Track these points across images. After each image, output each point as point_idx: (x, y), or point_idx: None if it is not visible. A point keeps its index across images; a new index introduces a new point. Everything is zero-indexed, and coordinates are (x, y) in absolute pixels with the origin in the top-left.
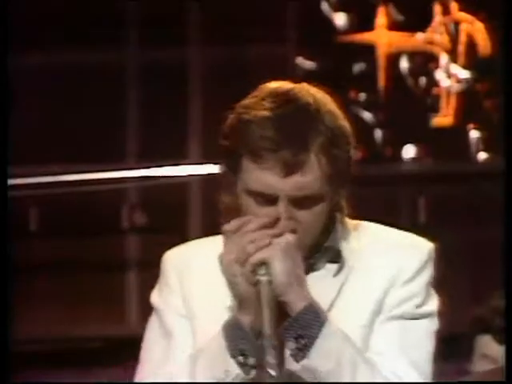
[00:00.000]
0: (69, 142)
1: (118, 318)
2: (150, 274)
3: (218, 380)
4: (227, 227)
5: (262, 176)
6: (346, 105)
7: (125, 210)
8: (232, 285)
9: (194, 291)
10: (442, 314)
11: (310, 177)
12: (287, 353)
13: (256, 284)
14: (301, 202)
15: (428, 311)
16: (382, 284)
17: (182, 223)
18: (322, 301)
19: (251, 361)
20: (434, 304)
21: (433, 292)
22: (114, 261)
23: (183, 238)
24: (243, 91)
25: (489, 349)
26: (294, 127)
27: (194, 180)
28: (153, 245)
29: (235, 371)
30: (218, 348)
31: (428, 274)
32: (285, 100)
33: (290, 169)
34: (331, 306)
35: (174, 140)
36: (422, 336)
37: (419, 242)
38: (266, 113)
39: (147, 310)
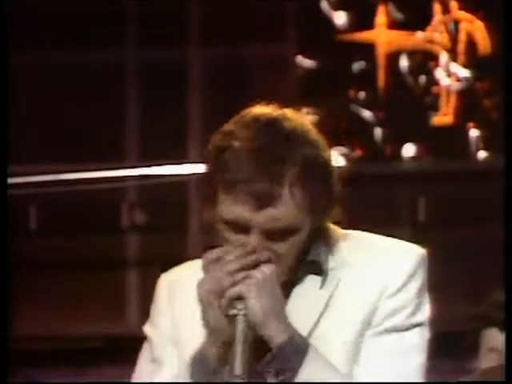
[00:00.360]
0: (68, 140)
1: (117, 316)
2: (150, 272)
3: None
4: (208, 256)
5: (235, 208)
6: (346, 103)
7: (124, 208)
8: (205, 315)
9: (182, 314)
10: (442, 312)
11: (283, 210)
12: None
13: (232, 318)
14: (275, 233)
15: (420, 320)
16: (371, 295)
17: (181, 222)
18: (310, 315)
19: None
20: (425, 312)
21: (425, 298)
22: (114, 259)
23: (183, 237)
24: (242, 90)
25: (495, 342)
26: (270, 159)
27: (194, 178)
28: (152, 243)
29: None
30: (191, 379)
31: (419, 280)
32: (263, 130)
33: (263, 201)
34: (318, 320)
35: (173, 138)
36: (414, 346)
37: (409, 248)
38: (242, 144)
39: (147, 308)
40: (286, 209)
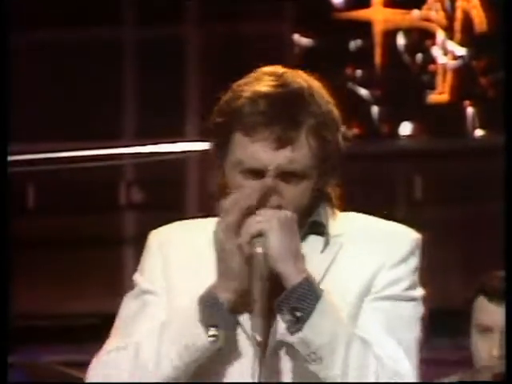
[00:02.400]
0: (66, 119)
1: (115, 294)
2: None
3: (183, 349)
4: (226, 202)
5: (253, 149)
6: (343, 81)
7: (122, 186)
8: (221, 257)
9: (173, 265)
10: (439, 290)
11: (299, 153)
12: (282, 325)
13: (249, 258)
14: (287, 177)
15: (415, 296)
16: (370, 266)
17: (178, 200)
18: (315, 273)
19: (221, 334)
20: (420, 291)
21: (417, 279)
22: (112, 237)
23: (180, 215)
24: (240, 68)
25: (484, 315)
26: (287, 106)
27: (191, 157)
28: (150, 221)
29: (203, 342)
30: (189, 319)
31: (414, 262)
32: (280, 81)
33: (280, 143)
34: (320, 281)
35: (171, 116)
36: (410, 318)
37: (406, 231)
38: (260, 89)
39: None
40: (302, 152)
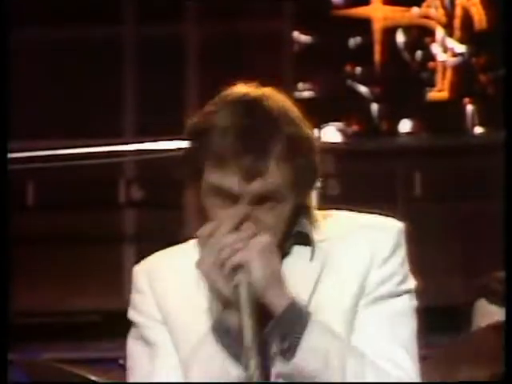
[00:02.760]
0: (66, 116)
1: (115, 291)
2: (147, 247)
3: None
4: (201, 232)
5: (224, 179)
6: (342, 79)
7: (122, 184)
8: (214, 289)
9: (166, 296)
10: (438, 287)
11: (270, 181)
12: (274, 354)
13: (235, 287)
14: (263, 202)
15: (408, 288)
16: (360, 266)
17: (178, 197)
18: (305, 286)
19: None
20: (412, 281)
21: (408, 269)
22: (111, 235)
23: (179, 212)
24: (240, 66)
25: (485, 317)
26: (255, 136)
27: None
28: (150, 219)
29: (236, 371)
30: (212, 351)
31: (402, 253)
32: (247, 109)
33: (250, 174)
34: (313, 291)
35: (170, 114)
36: (408, 313)
37: (389, 222)
38: (227, 122)
39: None
40: (273, 180)
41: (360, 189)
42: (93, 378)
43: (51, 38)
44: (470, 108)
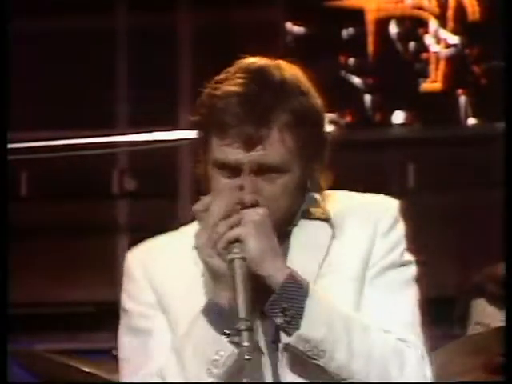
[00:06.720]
0: (59, 106)
1: (108, 282)
2: (141, 238)
3: (211, 363)
4: (196, 207)
5: (226, 149)
6: (336, 70)
7: (115, 174)
8: (208, 265)
9: (160, 278)
10: (433, 277)
11: (272, 150)
12: (277, 328)
13: (230, 262)
14: (264, 174)
15: (410, 259)
16: (364, 239)
17: (171, 188)
18: (313, 262)
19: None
20: (410, 254)
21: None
22: (105, 225)
23: (173, 203)
24: (232, 56)
25: (483, 315)
26: (259, 104)
27: (184, 145)
28: (143, 209)
29: (229, 349)
30: (204, 331)
31: (402, 227)
32: (255, 77)
33: (251, 142)
34: (323, 261)
35: (163, 105)
36: (411, 282)
37: (387, 198)
38: (232, 88)
39: None
40: (274, 150)
41: (353, 180)
42: (86, 369)
43: (44, 28)
44: (463, 99)
